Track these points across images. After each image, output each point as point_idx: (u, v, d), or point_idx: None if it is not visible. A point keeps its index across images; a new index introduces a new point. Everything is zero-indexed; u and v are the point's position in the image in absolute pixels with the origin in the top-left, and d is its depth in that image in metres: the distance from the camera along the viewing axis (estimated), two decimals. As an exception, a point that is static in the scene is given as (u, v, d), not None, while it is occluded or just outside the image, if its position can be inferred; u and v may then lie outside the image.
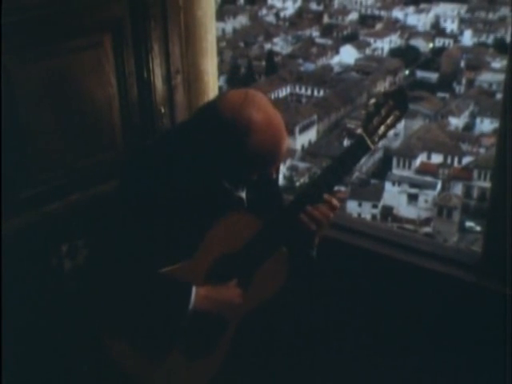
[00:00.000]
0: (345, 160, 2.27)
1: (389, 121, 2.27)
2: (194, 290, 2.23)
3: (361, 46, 67.47)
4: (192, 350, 2.35)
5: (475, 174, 44.31)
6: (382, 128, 2.27)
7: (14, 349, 2.88)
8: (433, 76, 63.87)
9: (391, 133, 2.26)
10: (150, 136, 3.32)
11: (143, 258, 2.19)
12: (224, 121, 2.09)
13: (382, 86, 61.05)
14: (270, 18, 75.29)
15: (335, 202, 2.27)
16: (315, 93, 60.83)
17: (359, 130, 2.31)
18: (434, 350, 2.98)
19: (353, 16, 74.54)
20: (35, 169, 3.03)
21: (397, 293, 3.02)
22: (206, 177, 2.22)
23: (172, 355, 2.33)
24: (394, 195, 44.69)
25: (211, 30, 3.46)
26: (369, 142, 2.25)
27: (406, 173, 46.88)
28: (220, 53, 65.58)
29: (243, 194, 2.36)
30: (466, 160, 46.86)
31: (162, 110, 3.34)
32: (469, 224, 41.96)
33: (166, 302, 2.25)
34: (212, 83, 3.54)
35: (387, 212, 44.52)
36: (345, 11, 74.99)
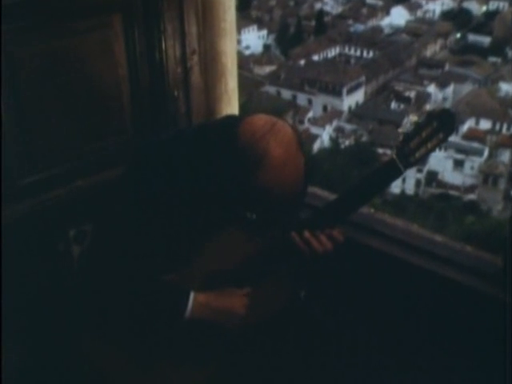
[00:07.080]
0: (371, 183, 2.07)
1: (429, 144, 2.00)
2: (192, 295, 2.11)
3: (412, 7, 66.68)
4: (182, 359, 2.24)
5: (524, 142, 43.60)
6: (420, 151, 2.00)
7: (18, 338, 2.86)
8: (485, 40, 62.72)
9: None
10: (161, 120, 3.19)
11: (139, 256, 2.09)
12: (240, 144, 1.96)
13: (433, 49, 60.24)
14: (321, -23, 74.55)
15: (336, 234, 2.11)
16: (364, 54, 60.49)
17: (392, 153, 2.06)
18: (443, 362, 2.85)
19: (405, -24, 73.36)
20: (40, 154, 2.92)
21: (405, 298, 2.87)
22: (212, 191, 2.08)
23: (161, 363, 2.23)
24: (439, 160, 44.21)
25: (230, 9, 3.30)
26: (401, 166, 2.00)
27: (453, 138, 46.19)
28: (270, 11, 65.26)
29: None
30: (516, 128, 46.23)
31: (175, 93, 3.21)
32: (515, 193, 41.49)
33: (160, 306, 2.14)
34: (230, 65, 3.38)
35: (432, 177, 44.23)
36: (397, -29, 73.83)
